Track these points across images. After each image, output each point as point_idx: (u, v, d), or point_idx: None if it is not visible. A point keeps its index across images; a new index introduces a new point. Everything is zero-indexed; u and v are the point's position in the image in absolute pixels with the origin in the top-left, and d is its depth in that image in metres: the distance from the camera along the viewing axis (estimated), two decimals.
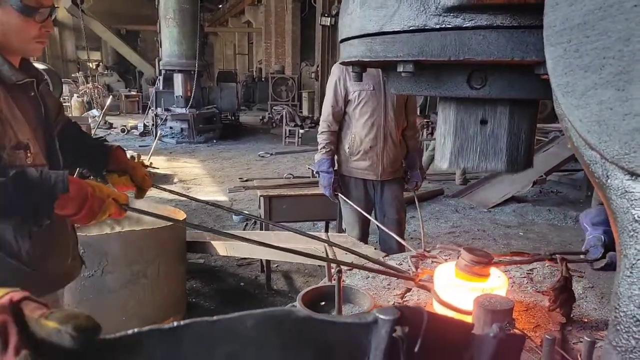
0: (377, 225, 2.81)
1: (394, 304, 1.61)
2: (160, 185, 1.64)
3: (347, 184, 3.03)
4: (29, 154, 1.36)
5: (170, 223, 3.01)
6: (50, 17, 1.43)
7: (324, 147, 2.94)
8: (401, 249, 2.96)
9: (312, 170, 6.07)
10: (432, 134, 7.25)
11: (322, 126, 2.95)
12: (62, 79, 14.95)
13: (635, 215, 0.60)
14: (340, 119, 2.93)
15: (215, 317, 0.45)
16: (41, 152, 1.42)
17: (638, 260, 0.60)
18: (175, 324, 0.44)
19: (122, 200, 1.38)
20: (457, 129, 1.10)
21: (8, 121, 1.31)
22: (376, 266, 1.72)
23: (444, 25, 0.93)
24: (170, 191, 1.67)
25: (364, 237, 3.04)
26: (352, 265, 1.59)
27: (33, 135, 1.40)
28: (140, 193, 1.74)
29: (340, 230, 3.63)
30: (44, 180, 1.21)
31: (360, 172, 2.96)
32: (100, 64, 23.51)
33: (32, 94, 1.47)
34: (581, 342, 1.35)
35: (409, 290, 1.63)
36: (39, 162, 1.38)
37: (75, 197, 1.25)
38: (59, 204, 1.23)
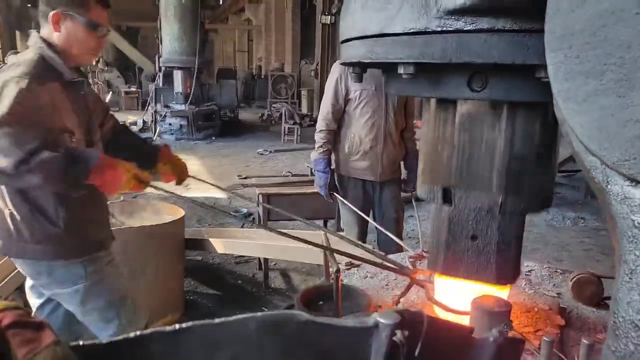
0: (375, 226, 2.82)
1: (396, 300, 1.61)
2: (157, 185, 1.74)
3: (346, 184, 3.02)
4: (73, 139, 1.67)
5: (169, 221, 3.01)
6: (106, 35, 1.79)
7: (321, 146, 2.93)
8: (399, 249, 2.97)
9: (311, 169, 6.09)
10: None
11: (320, 125, 2.94)
12: None
13: (635, 221, 0.60)
14: (339, 117, 2.91)
15: (217, 320, 0.46)
16: (83, 140, 1.74)
17: (637, 266, 0.60)
18: (177, 326, 0.44)
19: (143, 178, 1.64)
20: (449, 243, 1.18)
21: (59, 110, 1.63)
22: (376, 259, 1.73)
23: (445, 28, 0.94)
24: (166, 191, 1.76)
25: (362, 237, 3.05)
26: (350, 256, 1.61)
27: (78, 125, 1.71)
28: (180, 181, 2.08)
29: (339, 229, 3.64)
30: (83, 155, 1.54)
31: (360, 172, 2.95)
32: (100, 60, 23.45)
33: (82, 92, 1.80)
34: (579, 344, 1.35)
35: (407, 289, 1.63)
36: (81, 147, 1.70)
37: (104, 170, 1.54)
38: (92, 175, 1.52)
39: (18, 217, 1.70)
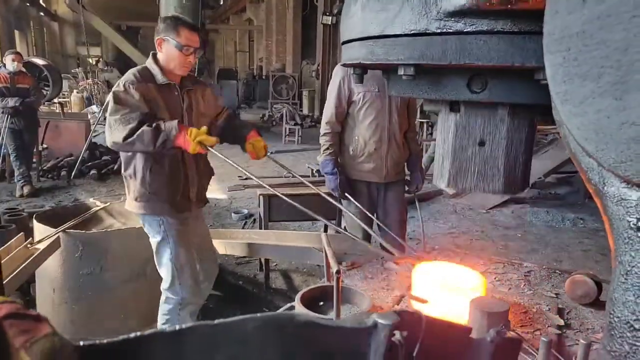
0: (379, 228, 2.81)
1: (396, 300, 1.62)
2: (217, 153, 2.29)
3: (351, 186, 3.03)
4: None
5: None
6: (194, 54, 2.37)
7: (327, 149, 2.91)
8: (403, 251, 2.97)
9: (312, 170, 6.08)
10: (431, 134, 7.24)
11: (325, 128, 2.92)
12: (62, 75, 14.94)
13: (631, 223, 0.61)
14: (343, 119, 2.91)
15: (217, 321, 0.46)
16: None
17: (633, 267, 0.61)
18: (177, 327, 0.44)
19: (207, 143, 2.21)
20: (456, 150, 1.11)
21: (151, 102, 2.28)
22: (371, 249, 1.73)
23: (445, 30, 0.94)
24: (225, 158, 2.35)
25: (365, 240, 3.03)
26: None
27: (169, 117, 2.29)
28: (256, 157, 2.60)
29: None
30: (167, 126, 2.19)
31: (364, 175, 2.94)
32: (100, 59, 23.46)
33: (176, 93, 2.41)
34: (577, 344, 1.36)
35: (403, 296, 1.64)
36: None
37: (179, 136, 2.18)
38: (174, 140, 2.18)
39: (129, 181, 2.43)
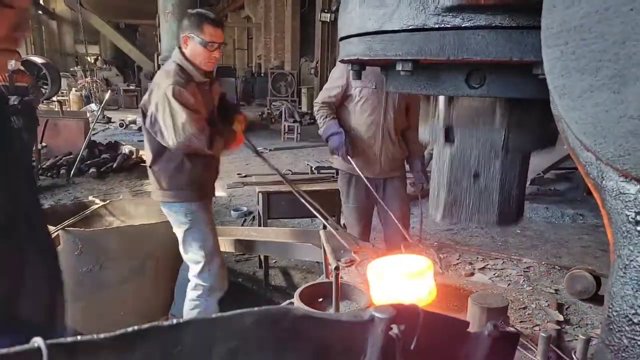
0: (381, 223, 2.81)
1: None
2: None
3: (348, 181, 3.02)
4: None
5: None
6: (218, 49, 2.45)
7: (326, 117, 2.88)
8: (406, 245, 2.97)
9: (311, 167, 6.07)
10: None
11: (318, 101, 2.94)
12: (61, 73, 14.92)
13: (629, 217, 0.61)
14: (337, 103, 2.91)
15: (213, 315, 0.46)
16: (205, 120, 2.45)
17: (631, 260, 0.61)
18: (174, 321, 0.44)
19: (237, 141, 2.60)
20: (451, 183, 1.13)
21: (198, 100, 2.40)
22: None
23: (442, 25, 0.94)
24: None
25: (365, 236, 3.03)
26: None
27: (205, 114, 2.45)
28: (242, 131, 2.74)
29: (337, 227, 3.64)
30: (218, 135, 2.42)
31: (360, 170, 2.95)
32: (99, 58, 23.41)
33: (206, 89, 2.54)
34: (576, 339, 1.36)
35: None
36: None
37: (222, 143, 2.47)
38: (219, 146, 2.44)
39: (160, 172, 2.52)
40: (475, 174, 1.11)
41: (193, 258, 2.59)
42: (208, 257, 2.57)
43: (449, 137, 1.13)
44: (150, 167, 2.56)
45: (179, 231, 2.59)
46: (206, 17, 2.44)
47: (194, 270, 2.60)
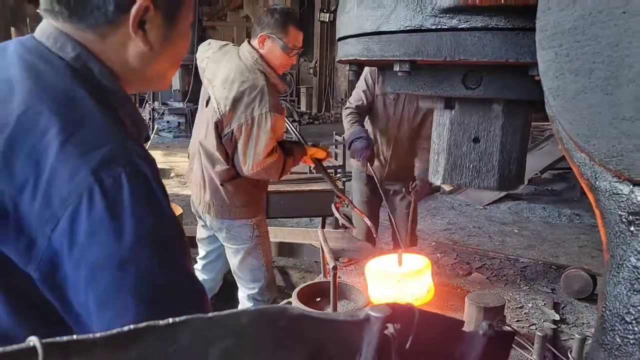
0: (390, 221, 2.81)
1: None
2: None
3: (357, 178, 3.04)
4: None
5: None
6: (296, 55, 2.23)
7: (354, 123, 2.81)
8: (413, 243, 2.98)
9: (310, 166, 6.06)
10: None
11: (352, 108, 2.86)
12: None
13: (622, 216, 0.61)
14: (368, 107, 2.85)
15: (210, 314, 0.46)
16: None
17: (624, 260, 0.61)
18: (170, 320, 0.45)
19: (319, 156, 2.49)
20: (451, 146, 1.12)
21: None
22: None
23: (440, 26, 0.94)
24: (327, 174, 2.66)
25: (369, 236, 3.01)
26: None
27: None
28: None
29: (337, 226, 3.65)
30: (297, 152, 2.32)
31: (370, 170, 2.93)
32: None
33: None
34: (572, 338, 1.37)
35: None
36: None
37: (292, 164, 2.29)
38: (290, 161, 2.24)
39: (230, 191, 2.24)
40: (475, 139, 1.10)
41: (252, 276, 2.38)
42: (268, 273, 2.41)
43: (448, 103, 1.12)
44: (222, 184, 2.23)
45: (239, 249, 2.34)
46: (294, 19, 2.19)
47: (254, 289, 2.39)
